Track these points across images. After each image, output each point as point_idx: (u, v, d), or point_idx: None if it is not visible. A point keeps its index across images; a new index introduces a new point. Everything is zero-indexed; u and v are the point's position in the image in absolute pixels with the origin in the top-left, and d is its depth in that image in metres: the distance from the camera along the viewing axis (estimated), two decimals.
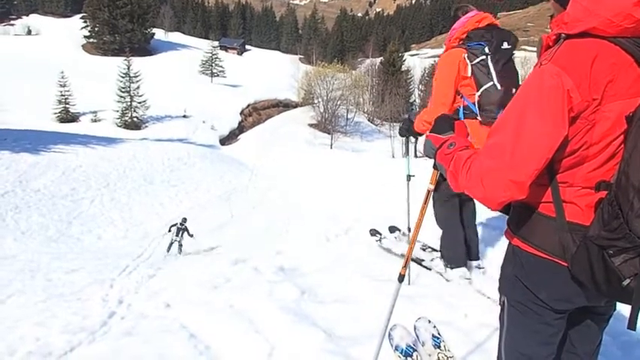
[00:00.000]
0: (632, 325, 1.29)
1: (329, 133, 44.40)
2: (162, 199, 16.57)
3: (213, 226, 13.08)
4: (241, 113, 51.77)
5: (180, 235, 12.40)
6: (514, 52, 3.63)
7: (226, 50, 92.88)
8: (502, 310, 1.71)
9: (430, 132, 1.79)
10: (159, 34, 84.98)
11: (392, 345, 2.85)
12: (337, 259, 6.78)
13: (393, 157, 36.48)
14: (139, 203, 15.54)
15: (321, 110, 47.93)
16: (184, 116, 46.05)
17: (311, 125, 47.97)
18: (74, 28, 74.91)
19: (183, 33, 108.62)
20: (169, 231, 12.36)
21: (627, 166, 1.24)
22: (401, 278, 2.27)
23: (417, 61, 78.11)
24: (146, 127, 43.15)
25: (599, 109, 1.31)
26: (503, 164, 1.36)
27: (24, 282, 6.29)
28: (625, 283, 1.24)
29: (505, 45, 3.55)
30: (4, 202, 12.31)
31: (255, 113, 54.01)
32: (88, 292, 5.85)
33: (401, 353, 2.79)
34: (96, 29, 70.54)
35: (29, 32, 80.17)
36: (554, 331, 1.60)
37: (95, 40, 70.98)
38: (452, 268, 4.27)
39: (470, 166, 1.46)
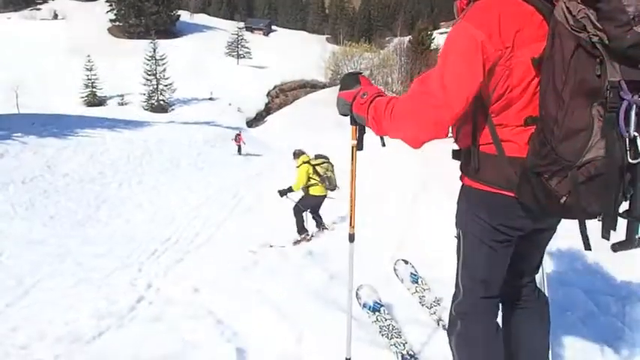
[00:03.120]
0: (587, 247, 1.54)
1: None
2: (190, 182, 16.51)
3: (241, 209, 13.04)
4: (268, 95, 51.80)
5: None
6: None
7: (252, 31, 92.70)
8: (458, 242, 1.87)
9: (340, 91, 1.91)
10: (184, 15, 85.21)
11: (360, 304, 3.19)
12: (365, 243, 6.66)
13: None
14: (166, 186, 15.54)
15: None
16: (210, 99, 46.31)
17: None
18: (100, 11, 75.56)
19: (209, 14, 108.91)
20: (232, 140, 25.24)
21: (544, 101, 1.45)
22: (351, 238, 2.40)
23: None
24: (172, 109, 43.61)
25: (513, 55, 1.48)
26: (427, 105, 1.52)
27: (53, 266, 6.34)
28: (562, 200, 1.44)
29: None
30: (32, 187, 12.40)
31: (282, 94, 53.97)
32: (116, 276, 5.86)
33: (369, 310, 3.13)
34: (121, 12, 71.14)
35: (56, 16, 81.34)
36: (505, 254, 1.78)
37: (121, 23, 71.67)
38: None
39: (392, 109, 1.61)
